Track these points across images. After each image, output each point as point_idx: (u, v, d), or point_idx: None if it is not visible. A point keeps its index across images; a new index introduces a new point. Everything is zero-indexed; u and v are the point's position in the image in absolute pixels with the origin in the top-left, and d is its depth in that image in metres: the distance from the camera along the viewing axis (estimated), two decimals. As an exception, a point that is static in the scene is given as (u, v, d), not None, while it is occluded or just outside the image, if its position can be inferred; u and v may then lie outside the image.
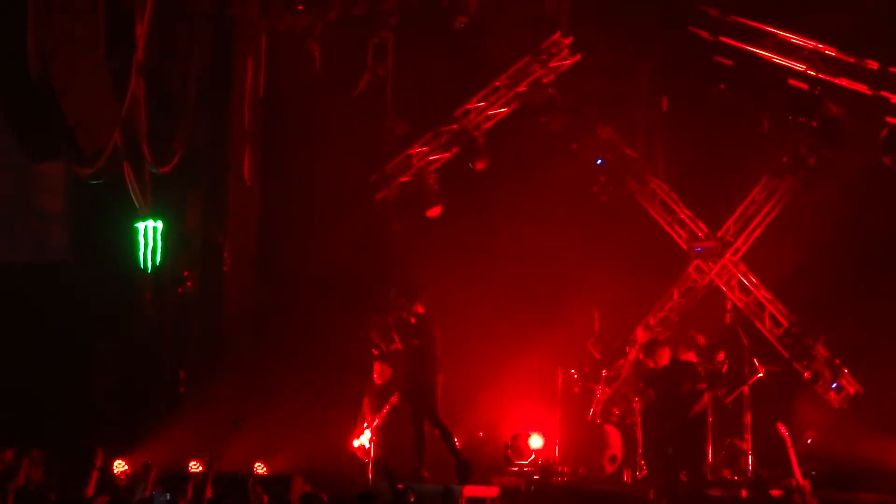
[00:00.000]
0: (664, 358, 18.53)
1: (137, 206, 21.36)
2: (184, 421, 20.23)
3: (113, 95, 20.99)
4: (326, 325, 20.89)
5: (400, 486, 15.06)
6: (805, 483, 16.04)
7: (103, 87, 20.88)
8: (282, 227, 21.89)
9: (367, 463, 18.07)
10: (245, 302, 22.06)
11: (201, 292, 21.74)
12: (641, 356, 19.38)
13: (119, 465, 19.16)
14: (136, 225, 21.47)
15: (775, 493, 16.88)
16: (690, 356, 18.59)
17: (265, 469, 19.61)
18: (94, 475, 15.82)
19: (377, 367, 19.30)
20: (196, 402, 20.64)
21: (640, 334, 20.95)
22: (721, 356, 18.78)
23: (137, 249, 21.40)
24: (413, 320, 18.13)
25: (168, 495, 15.80)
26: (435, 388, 18.01)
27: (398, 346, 18.46)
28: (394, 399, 18.74)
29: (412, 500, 14.72)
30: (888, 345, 18.80)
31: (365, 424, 18.93)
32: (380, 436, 18.62)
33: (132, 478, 18.45)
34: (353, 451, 18.98)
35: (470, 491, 16.89)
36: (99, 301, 21.37)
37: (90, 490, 15.68)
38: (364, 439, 18.78)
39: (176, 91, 21.70)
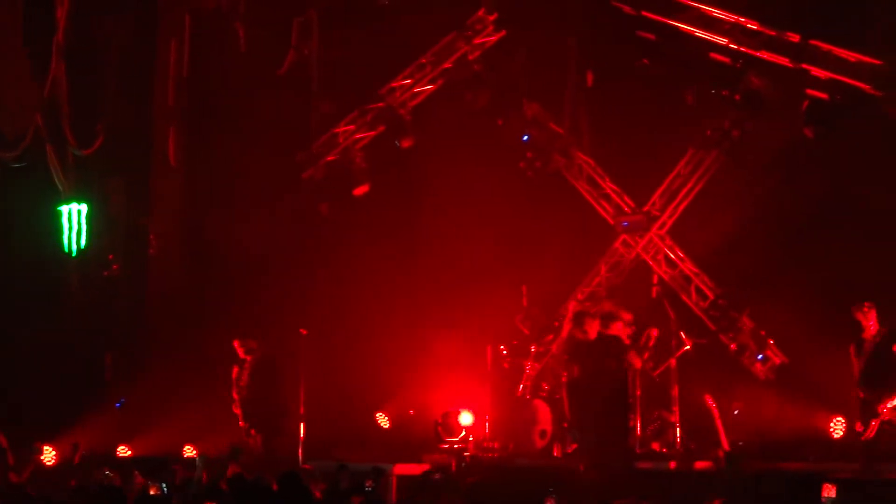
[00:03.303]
0: (594, 330, 18.34)
1: (61, 189, 21.16)
2: (110, 405, 20.15)
3: (33, 78, 20.77)
4: (253, 305, 20.81)
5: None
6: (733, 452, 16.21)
7: (23, 71, 20.67)
8: (207, 209, 21.77)
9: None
10: (171, 284, 22.00)
11: (127, 275, 21.63)
12: (571, 328, 19.23)
13: (47, 451, 19.04)
14: (59, 208, 21.27)
15: (704, 464, 17.02)
16: (616, 329, 18.45)
17: (195, 452, 19.54)
18: (30, 467, 15.80)
19: (237, 343, 19.52)
20: (122, 385, 20.56)
21: (570, 308, 20.83)
22: (654, 332, 18.76)
23: (62, 233, 21.21)
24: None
25: (164, 486, 15.69)
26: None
27: None
28: None
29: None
30: (813, 315, 18.93)
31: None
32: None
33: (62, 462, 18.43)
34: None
35: (400, 469, 16.87)
36: (23, 286, 21.16)
37: (22, 476, 15.62)
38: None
39: (98, 73, 21.50)
